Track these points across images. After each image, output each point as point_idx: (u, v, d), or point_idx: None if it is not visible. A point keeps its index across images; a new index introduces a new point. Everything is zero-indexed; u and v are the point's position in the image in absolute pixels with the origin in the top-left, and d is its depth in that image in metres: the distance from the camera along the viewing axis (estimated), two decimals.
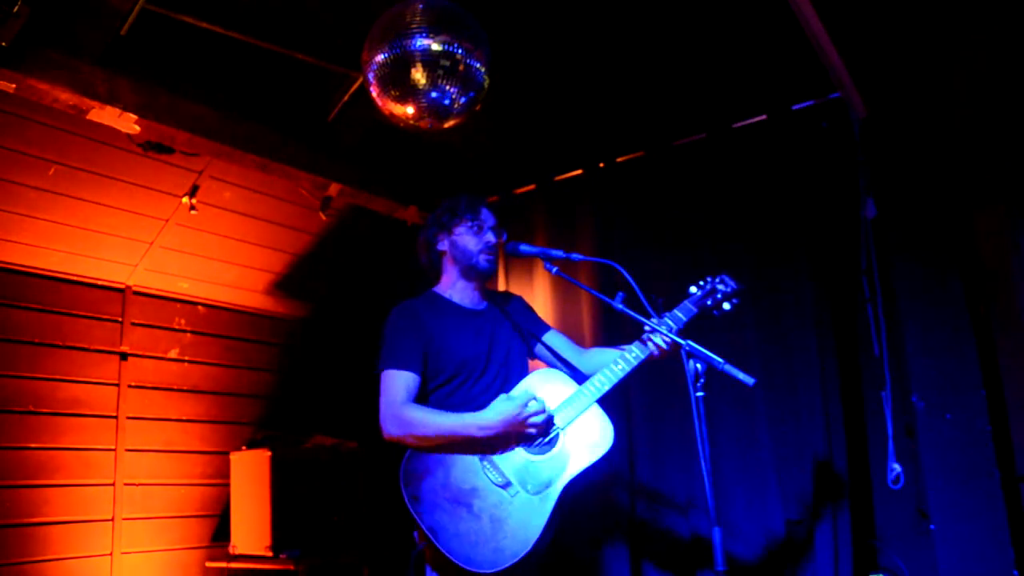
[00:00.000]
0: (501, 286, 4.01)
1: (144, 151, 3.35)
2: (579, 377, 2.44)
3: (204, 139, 3.20)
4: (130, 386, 3.88)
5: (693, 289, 2.48)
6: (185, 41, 3.06)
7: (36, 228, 3.47)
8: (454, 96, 2.52)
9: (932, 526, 2.67)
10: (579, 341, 3.68)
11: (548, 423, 2.29)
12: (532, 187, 4.04)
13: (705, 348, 2.10)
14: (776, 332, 3.19)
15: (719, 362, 2.06)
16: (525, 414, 2.22)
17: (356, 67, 2.83)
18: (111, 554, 3.69)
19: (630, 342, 2.41)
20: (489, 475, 2.23)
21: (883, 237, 2.96)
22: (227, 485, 4.01)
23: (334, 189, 3.73)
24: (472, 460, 2.24)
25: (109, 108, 2.89)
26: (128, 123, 2.99)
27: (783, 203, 3.25)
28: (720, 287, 2.48)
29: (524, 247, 2.49)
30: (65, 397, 3.64)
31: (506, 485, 2.21)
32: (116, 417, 3.82)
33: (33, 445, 3.50)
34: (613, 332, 3.59)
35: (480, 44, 2.50)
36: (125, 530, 3.76)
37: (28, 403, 3.51)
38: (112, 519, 3.72)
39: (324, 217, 3.96)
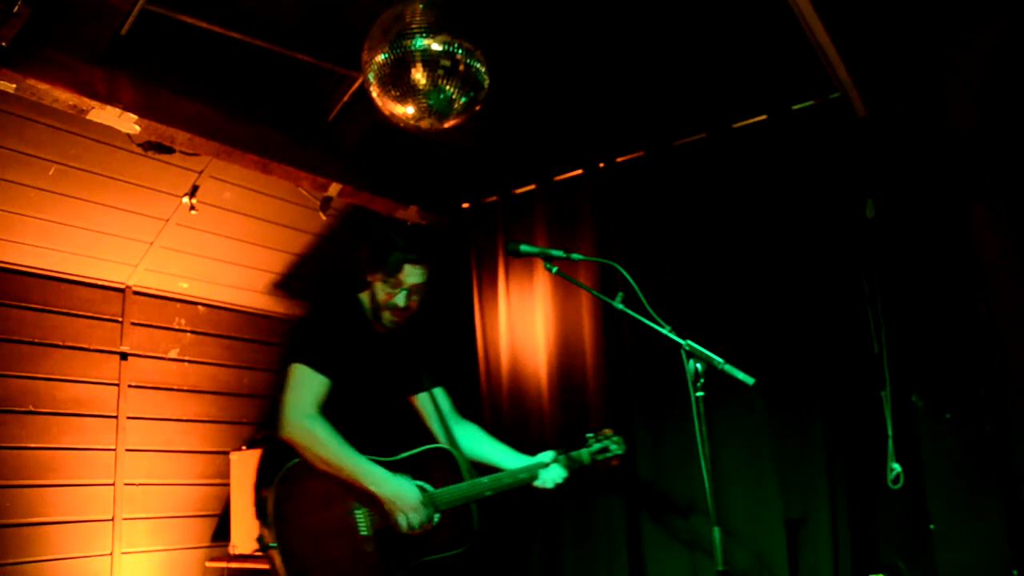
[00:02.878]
0: (501, 286, 4.01)
1: (144, 151, 3.36)
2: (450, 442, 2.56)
3: (204, 139, 3.20)
4: (130, 386, 3.88)
5: (589, 438, 2.69)
6: (185, 41, 3.06)
7: (36, 228, 3.47)
8: (454, 96, 2.52)
9: (932, 526, 2.67)
10: (579, 341, 3.71)
11: (422, 530, 2.30)
12: (532, 187, 4.04)
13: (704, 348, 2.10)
14: (776, 331, 3.18)
15: (719, 362, 2.06)
16: (417, 518, 2.25)
17: (356, 67, 2.83)
18: (111, 554, 3.69)
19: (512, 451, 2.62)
20: (358, 520, 2.26)
21: (883, 237, 2.96)
22: (227, 485, 4.01)
23: (334, 189, 3.73)
24: (348, 500, 2.27)
25: (109, 108, 2.89)
26: (128, 123, 2.99)
27: (783, 203, 3.25)
28: (613, 447, 2.70)
29: (524, 247, 2.49)
30: (65, 397, 3.64)
31: (366, 540, 2.25)
32: (116, 417, 3.82)
33: (33, 445, 3.50)
34: (613, 332, 3.60)
35: (480, 44, 2.50)
36: (125, 530, 3.76)
37: (28, 403, 3.52)
38: (112, 519, 3.72)
39: (324, 217, 3.96)
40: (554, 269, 2.45)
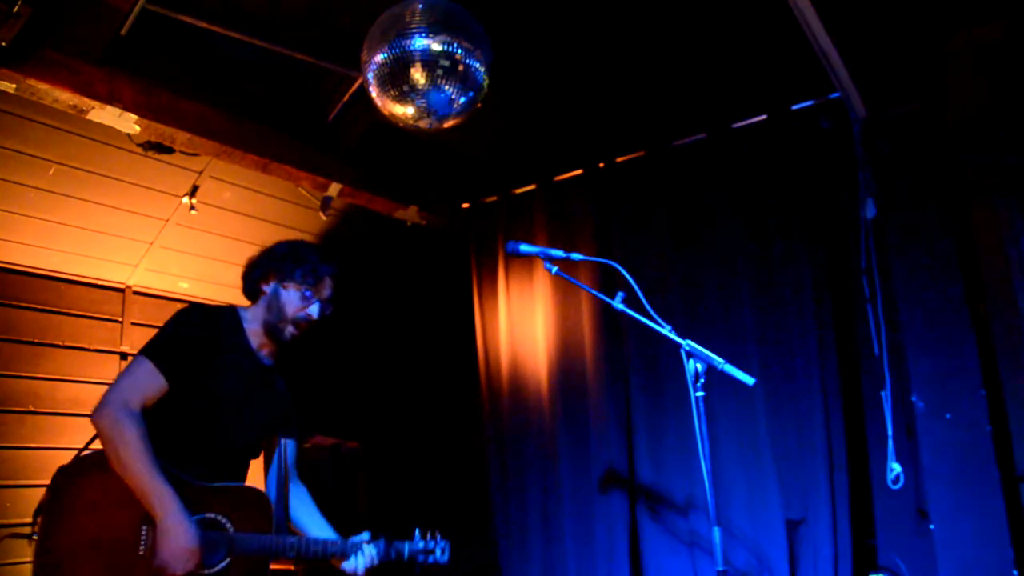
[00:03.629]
0: (501, 286, 4.01)
1: (144, 151, 3.36)
2: (274, 494, 2.37)
3: (204, 139, 3.20)
4: None
5: (416, 534, 2.48)
6: (185, 41, 3.06)
7: (36, 228, 3.47)
8: (454, 96, 2.52)
9: (932, 526, 2.67)
10: (579, 341, 3.71)
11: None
12: (532, 187, 4.04)
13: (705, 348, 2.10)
14: (776, 332, 3.18)
15: (719, 362, 2.06)
16: (178, 566, 2.00)
17: (356, 67, 2.83)
18: None
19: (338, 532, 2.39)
20: (142, 538, 2.05)
21: (883, 237, 2.96)
22: None
23: (334, 189, 3.73)
24: (137, 515, 2.04)
25: (109, 108, 2.89)
26: (128, 123, 2.99)
27: (783, 203, 3.25)
28: (438, 553, 2.47)
29: (524, 247, 2.48)
30: (65, 397, 3.64)
31: (141, 560, 2.03)
32: None
33: (33, 445, 3.50)
34: (612, 332, 3.60)
35: (480, 44, 2.50)
36: None
37: (28, 403, 3.52)
38: None
39: (324, 217, 3.96)
40: (554, 269, 2.44)
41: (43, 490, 2.05)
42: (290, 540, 2.23)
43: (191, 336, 2.22)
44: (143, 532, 2.04)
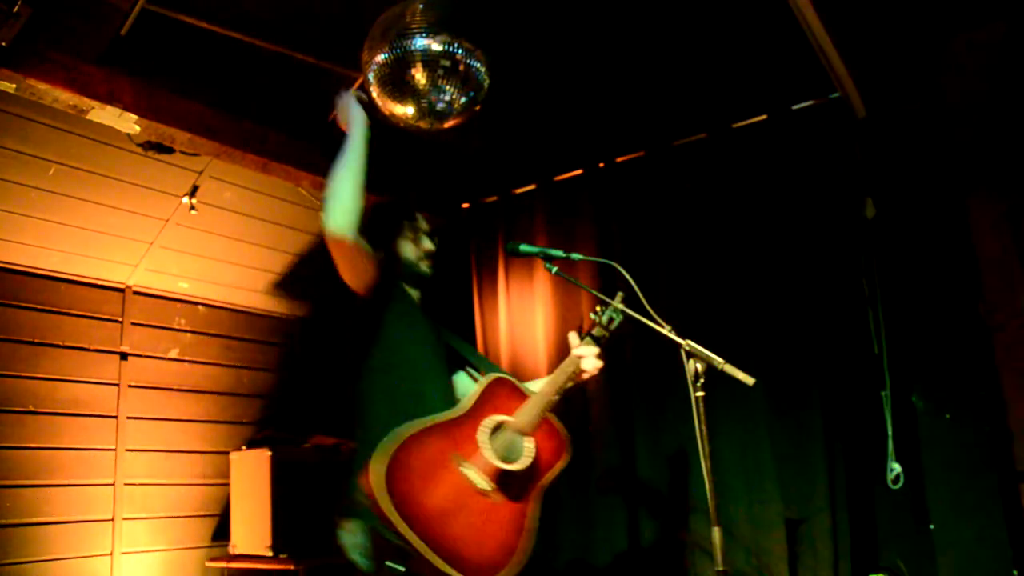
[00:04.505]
0: (501, 286, 4.02)
1: (144, 151, 3.35)
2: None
3: (204, 139, 3.20)
4: (130, 386, 3.88)
5: (599, 312, 2.50)
6: (185, 41, 3.06)
7: (36, 228, 3.47)
8: (454, 96, 2.52)
9: (932, 526, 2.67)
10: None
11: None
12: (532, 187, 4.04)
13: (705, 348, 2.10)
14: (776, 332, 3.19)
15: (719, 362, 2.06)
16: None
17: (356, 67, 2.83)
18: (111, 554, 3.69)
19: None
20: (470, 477, 2.07)
21: (883, 237, 2.96)
22: (227, 485, 4.01)
23: None
24: (447, 458, 2.07)
25: (109, 108, 2.89)
26: (128, 123, 2.99)
27: (783, 203, 3.25)
28: (613, 315, 2.49)
29: (524, 247, 2.48)
30: (65, 397, 3.63)
31: (489, 493, 2.08)
32: (116, 417, 3.82)
33: (33, 445, 3.50)
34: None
35: (480, 44, 2.50)
36: (125, 530, 3.76)
37: (28, 403, 3.51)
38: (112, 519, 3.72)
39: None
40: (554, 269, 2.44)
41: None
42: (543, 388, 2.29)
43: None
44: (465, 472, 2.05)
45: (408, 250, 2.49)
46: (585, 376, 2.41)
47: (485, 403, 2.23)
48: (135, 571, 3.77)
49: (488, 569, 2.00)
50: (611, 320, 2.50)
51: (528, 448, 2.18)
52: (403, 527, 1.90)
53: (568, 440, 2.29)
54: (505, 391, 2.31)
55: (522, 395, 2.31)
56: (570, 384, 2.38)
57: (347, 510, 2.17)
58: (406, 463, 1.99)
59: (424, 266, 2.50)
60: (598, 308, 2.51)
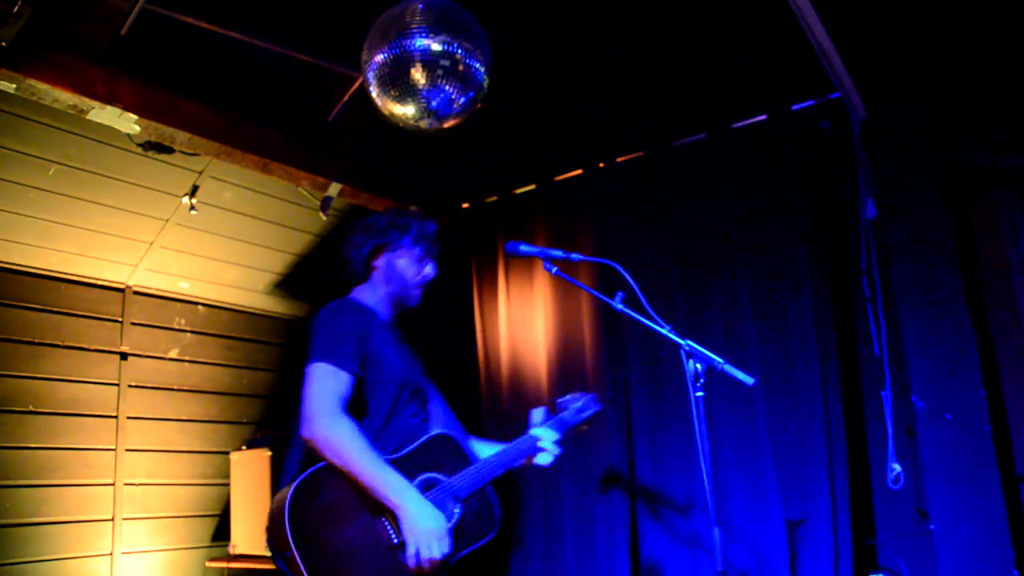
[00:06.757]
0: (501, 286, 4.01)
1: (144, 151, 3.35)
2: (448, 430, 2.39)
3: (204, 139, 3.20)
4: (130, 386, 3.88)
5: (570, 398, 2.60)
6: (185, 41, 3.06)
7: (36, 228, 3.47)
8: (454, 96, 2.52)
9: (932, 526, 2.66)
10: (579, 341, 3.71)
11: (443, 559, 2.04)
12: (532, 187, 4.03)
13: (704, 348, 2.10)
14: (776, 332, 3.18)
15: (719, 362, 2.06)
16: (440, 550, 1.99)
17: (356, 67, 2.83)
18: (111, 554, 3.69)
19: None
20: (388, 528, 2.03)
21: (883, 237, 2.96)
22: (227, 485, 4.01)
23: (334, 189, 3.73)
24: (368, 507, 2.03)
25: (109, 108, 2.89)
26: (128, 123, 2.99)
27: (783, 203, 3.25)
28: (591, 403, 2.61)
29: (524, 247, 2.48)
30: (65, 397, 3.64)
31: (399, 548, 2.03)
32: (116, 417, 3.82)
33: (33, 445, 3.50)
34: (612, 332, 3.59)
35: (480, 44, 2.50)
36: (125, 530, 3.76)
37: (28, 403, 3.51)
38: (112, 519, 3.72)
39: (324, 217, 3.96)
40: (554, 269, 2.44)
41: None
42: (490, 459, 2.27)
43: (349, 325, 2.22)
44: (386, 524, 2.03)
45: (407, 270, 2.42)
46: (537, 462, 2.39)
47: (425, 455, 2.21)
48: (135, 571, 3.77)
49: None
50: (580, 412, 2.53)
51: (454, 514, 2.15)
52: (294, 552, 1.88)
53: (498, 520, 2.24)
54: (451, 450, 2.27)
55: (465, 459, 2.27)
56: (521, 462, 2.37)
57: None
58: (317, 494, 1.98)
59: (415, 293, 2.43)
60: (575, 393, 2.57)
